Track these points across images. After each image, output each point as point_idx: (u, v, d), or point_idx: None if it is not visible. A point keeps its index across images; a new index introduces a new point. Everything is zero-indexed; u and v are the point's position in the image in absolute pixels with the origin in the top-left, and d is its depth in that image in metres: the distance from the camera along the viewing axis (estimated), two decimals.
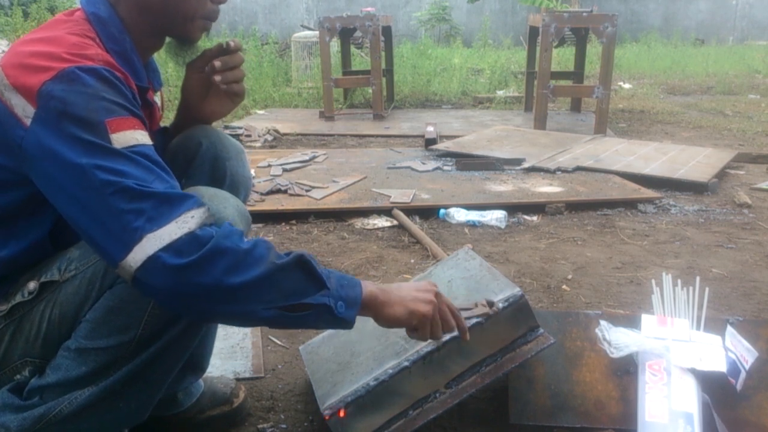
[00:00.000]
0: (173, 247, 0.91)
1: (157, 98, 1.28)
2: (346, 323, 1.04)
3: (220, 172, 1.31)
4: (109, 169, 0.92)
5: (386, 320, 1.09)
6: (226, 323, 1.13)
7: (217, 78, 1.23)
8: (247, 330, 1.82)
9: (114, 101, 0.96)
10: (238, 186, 1.34)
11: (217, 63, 1.22)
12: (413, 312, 1.08)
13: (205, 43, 1.22)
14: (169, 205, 0.93)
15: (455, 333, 1.18)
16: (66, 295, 1.06)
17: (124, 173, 0.92)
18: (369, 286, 1.07)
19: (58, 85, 0.93)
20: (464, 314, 1.22)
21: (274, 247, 1.00)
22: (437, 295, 1.12)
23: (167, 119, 1.36)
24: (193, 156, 1.30)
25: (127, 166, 0.93)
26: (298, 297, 0.99)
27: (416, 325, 1.10)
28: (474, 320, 1.26)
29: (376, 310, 1.07)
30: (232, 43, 1.23)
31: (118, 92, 0.97)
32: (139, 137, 0.97)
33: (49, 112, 0.93)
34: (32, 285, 1.07)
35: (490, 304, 1.27)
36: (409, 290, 1.10)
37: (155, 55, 1.24)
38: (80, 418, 1.06)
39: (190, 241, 0.92)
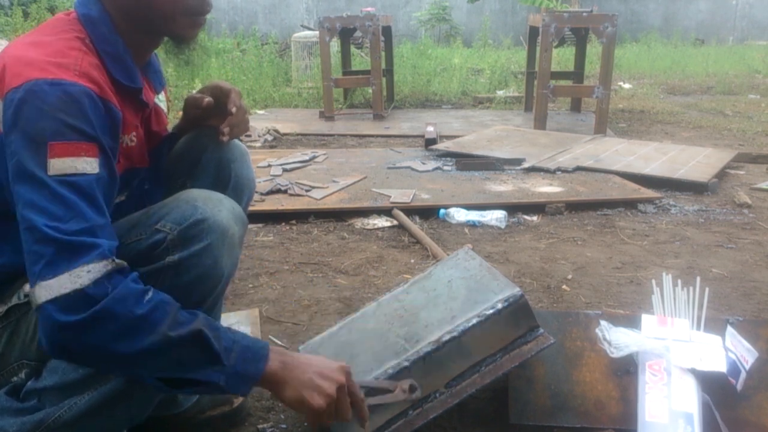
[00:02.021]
0: (60, 302, 0.89)
1: (159, 99, 1.27)
2: (240, 395, 1.03)
3: (225, 174, 1.31)
4: (28, 202, 0.91)
5: (281, 399, 1.05)
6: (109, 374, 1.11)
7: (225, 139, 1.26)
8: (247, 330, 1.82)
9: (68, 123, 0.93)
10: (242, 188, 1.34)
11: (225, 129, 1.25)
12: (304, 401, 1.03)
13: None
14: (68, 255, 0.90)
15: (448, 329, 1.15)
16: None
17: (40, 209, 0.91)
18: (275, 361, 1.03)
19: (19, 95, 0.92)
20: (377, 399, 1.19)
21: (176, 311, 0.96)
22: (340, 388, 1.06)
23: (169, 119, 1.36)
24: (198, 158, 1.30)
25: (48, 202, 0.91)
26: (187, 371, 0.97)
27: (305, 413, 1.06)
28: (475, 310, 1.25)
29: (274, 386, 1.04)
30: (234, 109, 1.25)
31: (78, 113, 0.94)
32: (81, 166, 0.94)
33: (6, 122, 0.93)
34: (27, 287, 1.07)
35: (412, 389, 1.22)
36: (313, 374, 1.04)
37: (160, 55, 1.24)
38: (80, 422, 1.06)
39: (78, 298, 0.89)
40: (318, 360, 1.09)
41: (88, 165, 0.95)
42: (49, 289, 0.90)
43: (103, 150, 0.98)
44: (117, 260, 0.95)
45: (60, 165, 0.92)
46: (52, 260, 0.90)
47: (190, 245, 1.03)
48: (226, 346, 0.99)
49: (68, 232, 0.91)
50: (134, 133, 1.15)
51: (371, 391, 1.19)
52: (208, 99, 1.26)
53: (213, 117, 1.30)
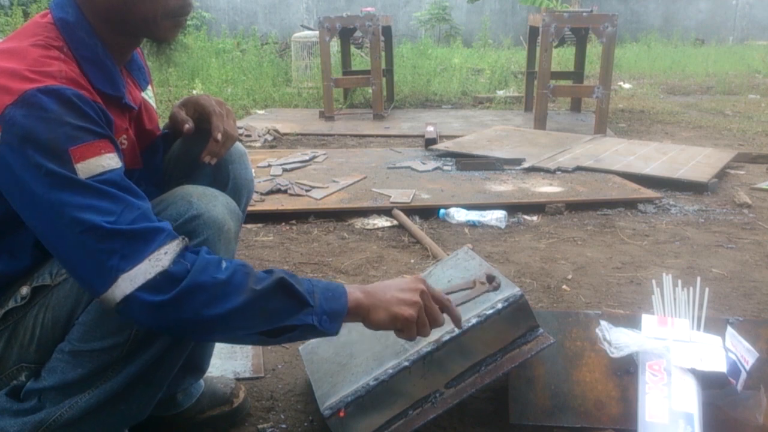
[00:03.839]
0: (148, 286, 0.91)
1: (148, 96, 1.25)
2: (331, 334, 1.04)
3: (223, 175, 1.30)
4: (76, 205, 0.91)
5: (372, 324, 1.07)
6: (214, 342, 1.12)
7: (209, 161, 1.24)
8: None
9: (77, 126, 0.93)
10: (240, 189, 1.33)
11: (213, 162, 1.24)
12: (396, 316, 1.06)
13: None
14: (140, 242, 0.92)
15: (448, 330, 1.16)
16: (58, 299, 1.06)
17: (91, 208, 0.91)
18: (354, 293, 1.05)
19: (19, 110, 0.90)
20: (462, 295, 1.21)
21: (253, 270, 0.99)
22: (423, 293, 1.08)
23: (165, 117, 1.35)
24: (195, 160, 1.29)
25: (94, 200, 0.92)
26: (281, 320, 0.99)
27: (400, 327, 1.08)
28: (475, 310, 1.25)
29: (361, 316, 1.06)
30: (219, 136, 1.22)
31: (81, 114, 0.94)
32: (106, 163, 0.94)
33: (13, 139, 0.90)
34: (25, 290, 1.06)
35: (490, 279, 1.23)
36: (394, 291, 1.08)
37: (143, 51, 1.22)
38: (81, 422, 1.06)
39: (164, 279, 0.92)
40: (391, 281, 1.12)
41: (111, 160, 0.96)
42: (132, 279, 0.91)
43: (115, 144, 0.99)
44: (185, 238, 0.97)
45: (87, 167, 0.92)
46: (126, 252, 0.91)
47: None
48: (307, 288, 1.01)
49: (128, 221, 0.92)
50: (124, 136, 1.14)
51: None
52: (188, 126, 1.24)
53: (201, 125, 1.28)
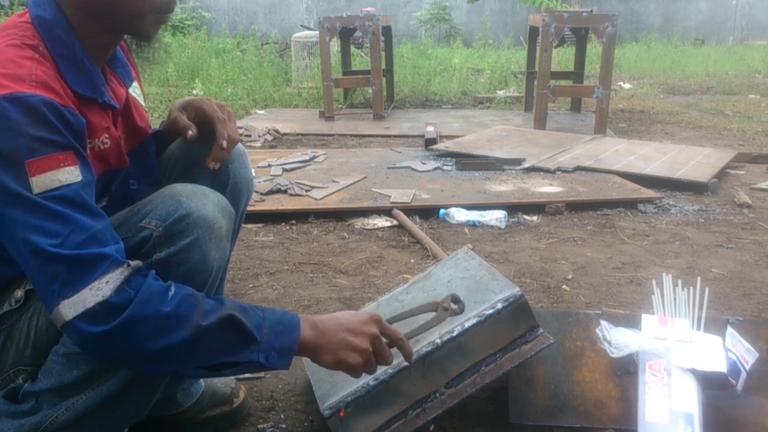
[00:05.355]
0: (87, 315, 0.90)
1: (137, 94, 1.24)
2: (282, 368, 1.03)
3: (223, 175, 1.30)
4: (25, 225, 0.90)
5: (319, 364, 1.06)
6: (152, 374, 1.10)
7: (214, 166, 1.25)
8: None
9: (37, 137, 0.90)
10: (240, 189, 1.33)
11: (217, 167, 1.24)
12: (341, 361, 1.05)
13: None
14: (82, 269, 0.90)
15: (447, 330, 1.17)
16: None
17: (38, 229, 0.89)
18: (305, 330, 1.03)
19: None
20: (419, 328, 1.21)
21: (202, 301, 0.97)
22: (374, 338, 1.07)
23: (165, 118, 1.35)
24: (195, 159, 1.29)
25: (43, 220, 0.90)
26: (225, 356, 0.98)
27: (345, 371, 1.07)
28: (475, 310, 1.25)
29: (309, 354, 1.05)
30: (224, 143, 1.22)
31: (44, 124, 0.91)
32: (63, 177, 0.92)
33: None
34: (19, 293, 1.06)
35: (455, 300, 1.24)
36: (344, 333, 1.05)
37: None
38: (78, 423, 1.06)
39: (104, 310, 0.90)
40: (347, 317, 1.09)
41: (69, 174, 0.93)
42: (73, 305, 0.90)
43: (80, 155, 0.96)
44: (131, 263, 0.95)
45: (42, 181, 0.90)
46: (68, 278, 0.90)
47: (177, 241, 1.02)
48: (257, 323, 0.99)
49: (73, 246, 0.90)
50: (106, 135, 1.11)
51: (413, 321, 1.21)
52: (191, 133, 1.23)
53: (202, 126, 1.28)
